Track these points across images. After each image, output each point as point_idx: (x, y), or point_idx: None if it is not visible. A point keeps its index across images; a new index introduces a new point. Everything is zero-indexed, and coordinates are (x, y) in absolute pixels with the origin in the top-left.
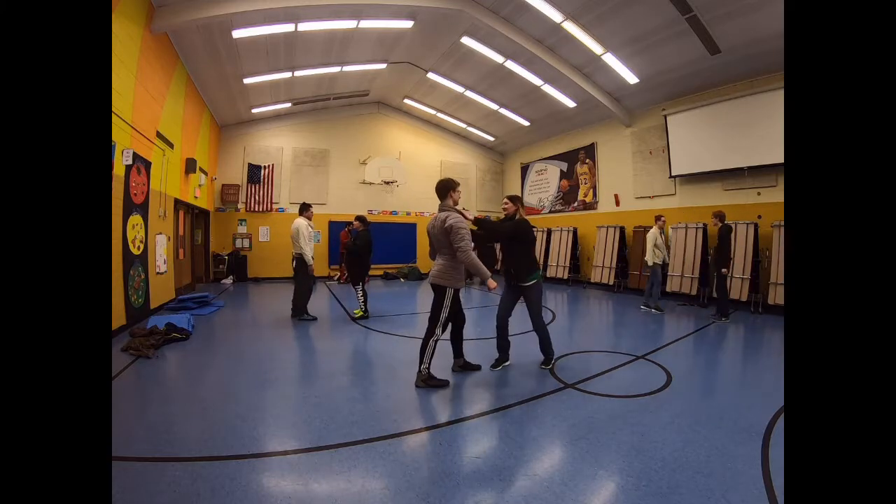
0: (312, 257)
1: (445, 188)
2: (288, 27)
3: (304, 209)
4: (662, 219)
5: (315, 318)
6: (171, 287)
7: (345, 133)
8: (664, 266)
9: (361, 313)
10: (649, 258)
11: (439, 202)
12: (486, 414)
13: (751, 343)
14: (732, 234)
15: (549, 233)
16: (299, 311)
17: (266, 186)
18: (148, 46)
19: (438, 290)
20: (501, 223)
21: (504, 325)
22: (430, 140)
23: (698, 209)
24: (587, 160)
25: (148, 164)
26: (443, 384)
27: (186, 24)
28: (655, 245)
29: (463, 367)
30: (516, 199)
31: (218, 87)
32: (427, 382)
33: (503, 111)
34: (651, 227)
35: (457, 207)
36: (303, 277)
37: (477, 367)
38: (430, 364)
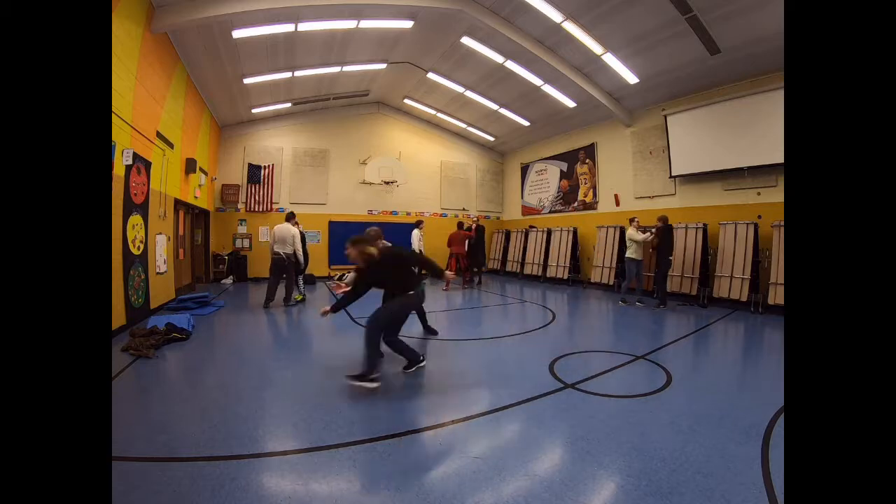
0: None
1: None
2: (288, 27)
3: (292, 217)
4: (636, 220)
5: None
6: (171, 287)
7: (345, 133)
8: (639, 262)
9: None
10: (632, 253)
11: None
12: (486, 414)
13: (751, 343)
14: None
15: (550, 233)
16: (289, 297)
17: (266, 186)
18: (148, 46)
19: None
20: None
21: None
22: (430, 140)
23: (698, 209)
24: (587, 160)
25: (148, 164)
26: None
27: (186, 24)
28: (636, 242)
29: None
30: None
31: (218, 87)
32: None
33: (503, 111)
34: (628, 228)
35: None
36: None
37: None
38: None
